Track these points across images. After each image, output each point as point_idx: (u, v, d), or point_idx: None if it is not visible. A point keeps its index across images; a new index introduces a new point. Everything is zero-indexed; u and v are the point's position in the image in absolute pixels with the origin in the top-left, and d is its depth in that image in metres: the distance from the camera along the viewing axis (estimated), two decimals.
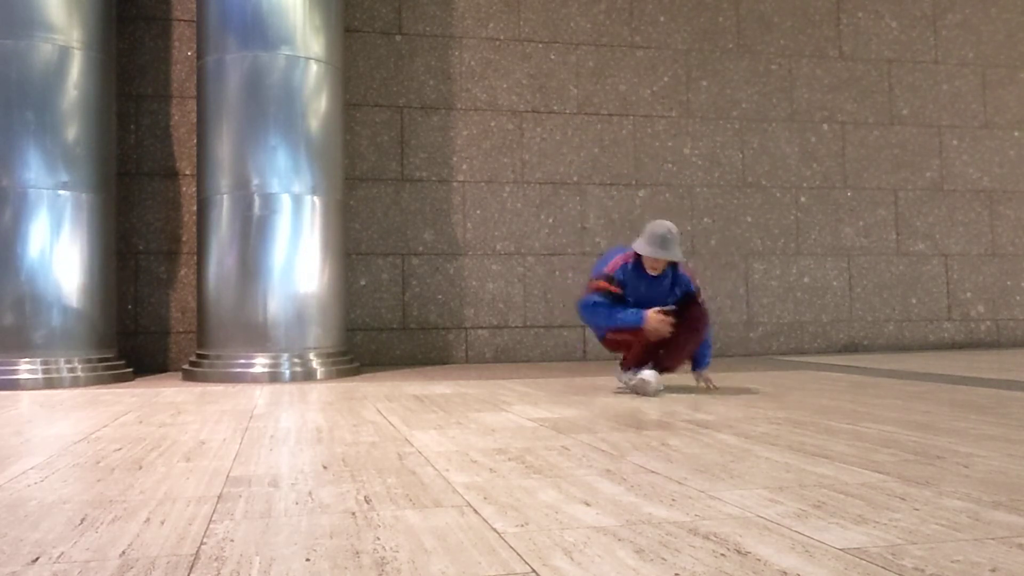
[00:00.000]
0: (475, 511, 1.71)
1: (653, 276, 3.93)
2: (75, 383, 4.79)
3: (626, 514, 1.66)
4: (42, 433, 2.91)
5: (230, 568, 1.35)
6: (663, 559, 1.37)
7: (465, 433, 2.79)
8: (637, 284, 3.95)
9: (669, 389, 4.16)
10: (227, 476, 2.11)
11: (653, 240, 3.84)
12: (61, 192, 4.88)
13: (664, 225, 3.86)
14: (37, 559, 1.41)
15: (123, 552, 1.45)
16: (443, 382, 4.75)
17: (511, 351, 6.42)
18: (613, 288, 3.94)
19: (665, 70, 6.85)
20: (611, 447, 2.46)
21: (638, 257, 3.94)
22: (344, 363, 5.34)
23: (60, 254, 4.87)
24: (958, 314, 7.34)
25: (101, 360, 5.03)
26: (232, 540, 1.51)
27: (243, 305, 5.07)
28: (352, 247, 6.17)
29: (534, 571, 1.31)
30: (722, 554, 1.39)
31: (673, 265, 3.99)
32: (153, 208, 5.93)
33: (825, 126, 7.16)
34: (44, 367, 4.75)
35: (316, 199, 5.24)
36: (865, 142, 7.23)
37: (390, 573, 1.32)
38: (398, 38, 6.40)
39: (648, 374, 3.90)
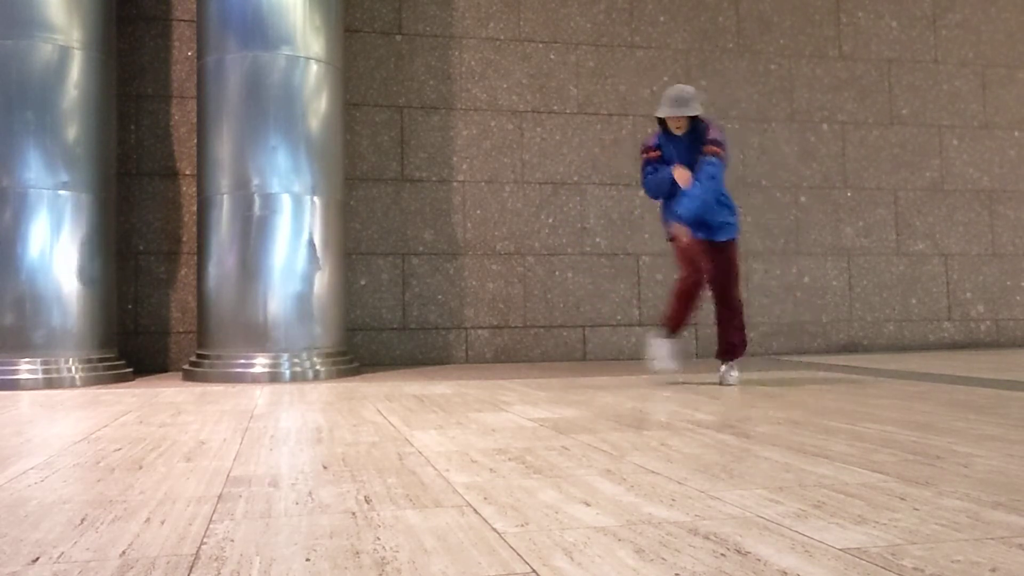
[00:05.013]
0: (475, 511, 1.71)
1: (679, 136, 4.29)
2: (75, 383, 4.79)
3: (626, 514, 1.66)
4: (42, 433, 2.92)
5: (230, 568, 1.35)
6: (663, 559, 1.37)
7: (465, 433, 2.79)
8: (669, 149, 4.35)
9: (670, 387, 4.16)
10: (227, 476, 2.11)
11: (669, 101, 4.24)
12: (61, 192, 4.88)
13: (678, 87, 4.28)
14: (37, 559, 1.41)
15: (123, 552, 1.45)
16: (443, 382, 4.75)
17: (511, 351, 6.42)
18: (653, 153, 4.38)
19: (665, 70, 6.85)
20: (611, 447, 2.46)
21: (663, 124, 4.33)
22: (344, 363, 5.34)
23: (60, 254, 4.87)
24: (958, 314, 7.34)
25: (101, 360, 5.04)
26: (232, 540, 1.51)
27: (243, 305, 5.07)
28: (352, 247, 6.17)
29: (534, 571, 1.31)
30: (722, 554, 1.39)
31: (696, 122, 4.28)
32: (153, 208, 5.93)
33: (825, 126, 7.16)
34: (44, 367, 4.75)
35: (316, 199, 5.25)
36: (865, 142, 7.24)
37: (390, 573, 1.32)
38: (398, 38, 6.40)
39: (658, 350, 4.25)
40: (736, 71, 7.00)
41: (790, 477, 2.00)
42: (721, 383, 4.35)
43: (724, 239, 4.31)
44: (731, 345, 4.39)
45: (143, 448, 2.57)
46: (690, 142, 4.28)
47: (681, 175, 4.23)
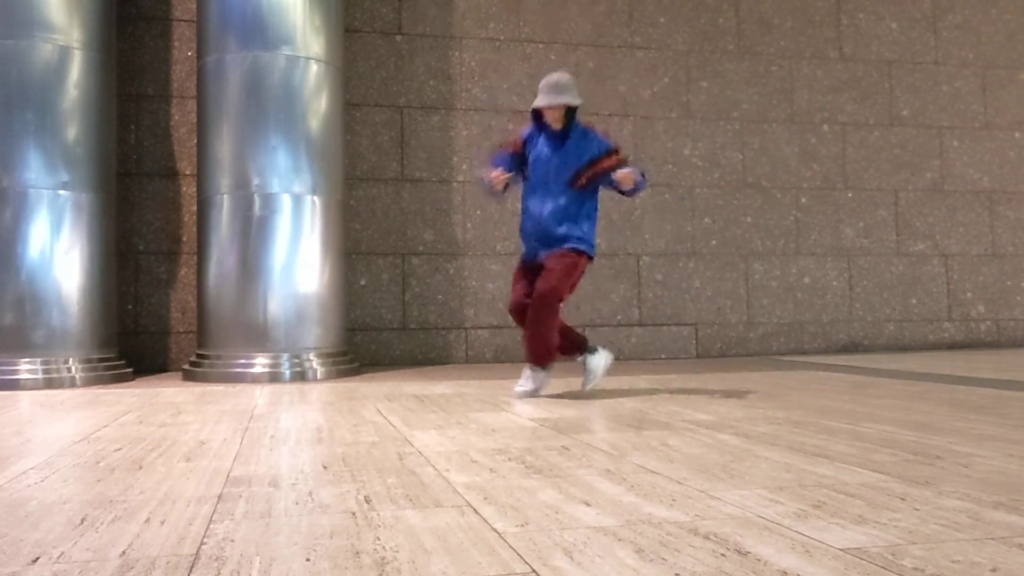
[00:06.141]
0: (475, 511, 1.71)
1: (557, 131, 3.78)
2: (75, 383, 4.79)
3: (626, 514, 1.66)
4: (42, 433, 2.91)
5: (230, 568, 1.35)
6: (663, 559, 1.37)
7: (465, 433, 2.79)
8: (541, 148, 3.81)
9: (670, 387, 4.16)
10: (227, 476, 2.11)
11: (546, 89, 3.75)
12: (61, 192, 4.88)
13: (555, 74, 3.81)
14: (37, 559, 1.41)
15: (123, 552, 1.45)
16: (443, 382, 4.75)
17: (511, 351, 6.42)
18: (515, 145, 3.89)
19: (665, 71, 6.85)
20: (611, 447, 2.46)
21: (539, 117, 3.82)
22: (344, 363, 5.34)
23: (60, 254, 4.87)
24: (958, 314, 7.34)
25: (101, 360, 5.03)
26: (232, 540, 1.51)
27: (243, 305, 5.07)
28: (352, 247, 6.17)
29: (534, 571, 1.31)
30: (722, 554, 1.39)
31: (570, 118, 3.78)
32: (153, 208, 5.93)
33: (825, 127, 7.16)
34: (44, 367, 4.75)
35: (316, 199, 5.24)
36: (865, 143, 7.23)
37: (390, 573, 1.32)
38: (398, 38, 6.40)
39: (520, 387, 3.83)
40: (736, 72, 7.00)
41: (790, 477, 2.00)
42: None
43: (559, 249, 3.76)
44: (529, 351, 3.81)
45: (143, 448, 2.56)
46: (562, 141, 3.79)
47: (495, 178, 3.76)
